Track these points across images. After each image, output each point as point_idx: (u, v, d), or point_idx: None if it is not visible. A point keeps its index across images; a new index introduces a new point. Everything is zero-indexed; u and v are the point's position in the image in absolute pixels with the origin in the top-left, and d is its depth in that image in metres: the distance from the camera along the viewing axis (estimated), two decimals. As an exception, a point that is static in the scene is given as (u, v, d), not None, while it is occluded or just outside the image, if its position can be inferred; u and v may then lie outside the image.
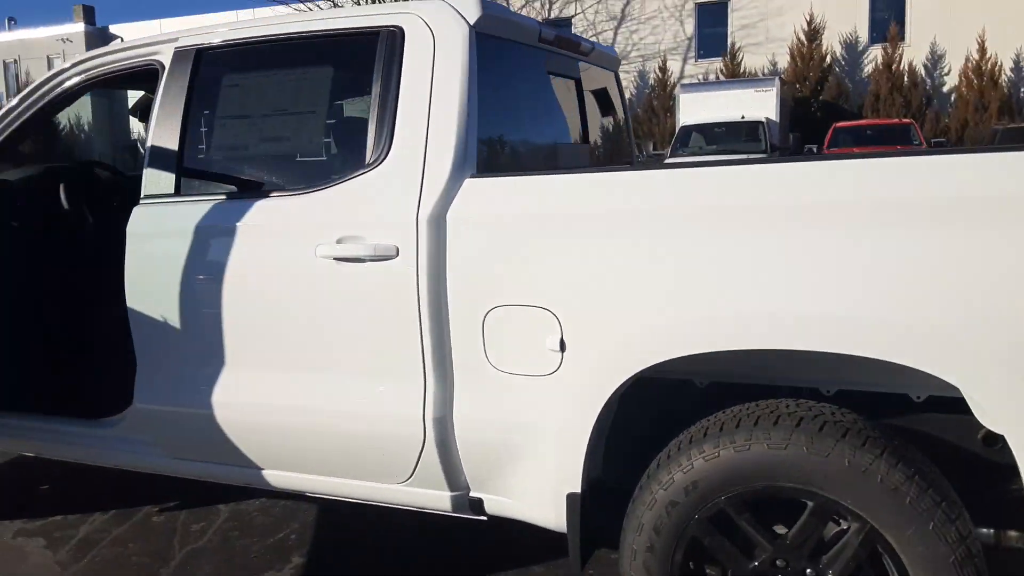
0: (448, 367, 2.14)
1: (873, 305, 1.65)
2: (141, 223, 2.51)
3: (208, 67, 2.52)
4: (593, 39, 19.75)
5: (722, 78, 22.15)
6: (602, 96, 3.22)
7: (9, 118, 2.85)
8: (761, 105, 17.10)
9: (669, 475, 1.87)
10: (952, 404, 1.85)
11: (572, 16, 25.49)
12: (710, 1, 24.29)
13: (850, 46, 23.15)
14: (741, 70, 22.95)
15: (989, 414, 1.63)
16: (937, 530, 1.62)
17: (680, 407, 2.08)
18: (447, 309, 2.10)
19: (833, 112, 21.32)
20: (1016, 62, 21.43)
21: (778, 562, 1.82)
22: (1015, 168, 1.59)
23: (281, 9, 19.76)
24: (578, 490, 1.98)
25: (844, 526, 1.77)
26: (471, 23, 2.21)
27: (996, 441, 1.84)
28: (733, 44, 23.61)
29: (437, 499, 2.26)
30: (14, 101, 2.86)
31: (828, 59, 22.61)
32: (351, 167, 2.26)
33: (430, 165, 2.14)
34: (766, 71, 22.85)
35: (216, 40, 2.54)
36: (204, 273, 2.38)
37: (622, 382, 1.89)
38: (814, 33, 22.52)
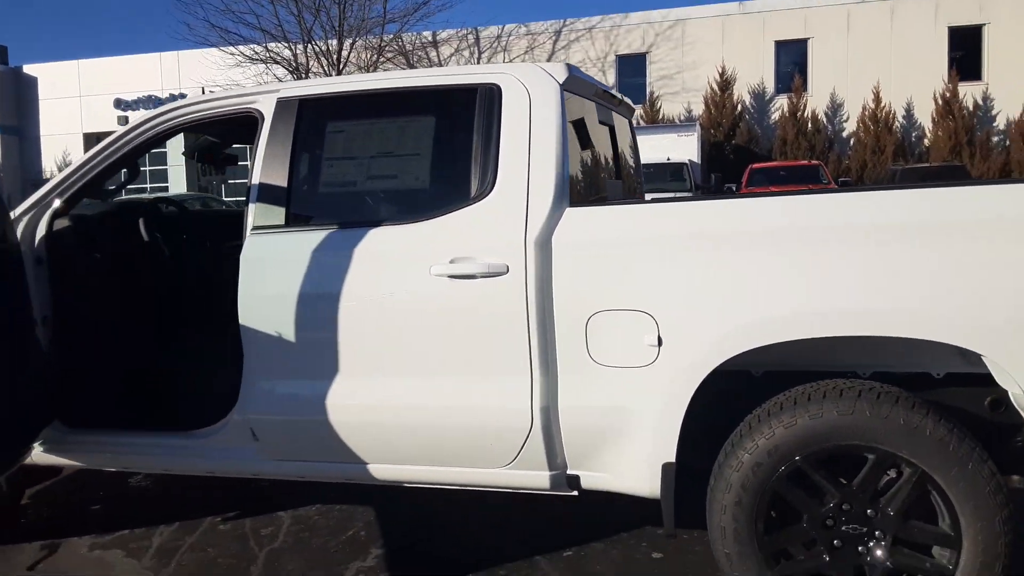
0: (552, 363, 2.53)
1: (917, 297, 2.17)
2: (255, 250, 2.82)
3: (312, 114, 2.88)
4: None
5: (643, 123, 23.36)
6: (621, 139, 3.72)
7: (104, 155, 3.10)
8: (683, 148, 18.24)
9: (753, 442, 2.31)
10: (964, 379, 2.39)
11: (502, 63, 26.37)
12: (630, 53, 25.66)
13: (758, 95, 24.83)
14: (660, 116, 24.30)
15: (1003, 373, 2.15)
16: (975, 469, 2.12)
17: (739, 393, 2.53)
18: (553, 315, 2.51)
19: (745, 155, 22.82)
20: (907, 110, 23.47)
21: (844, 506, 2.28)
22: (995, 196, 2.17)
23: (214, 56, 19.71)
24: (673, 460, 2.40)
25: (893, 475, 2.25)
26: (561, 83, 2.67)
27: (1000, 405, 2.38)
28: (652, 93, 24.98)
29: (537, 479, 2.63)
30: (110, 139, 3.11)
31: (739, 107, 24.21)
32: (456, 200, 2.66)
33: (533, 198, 2.56)
34: (682, 118, 24.26)
35: (319, 91, 2.90)
36: (320, 291, 2.70)
37: (709, 371, 2.34)
38: (726, 84, 24.11)
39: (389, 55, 24.84)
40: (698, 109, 24.49)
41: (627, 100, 3.69)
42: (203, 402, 3.04)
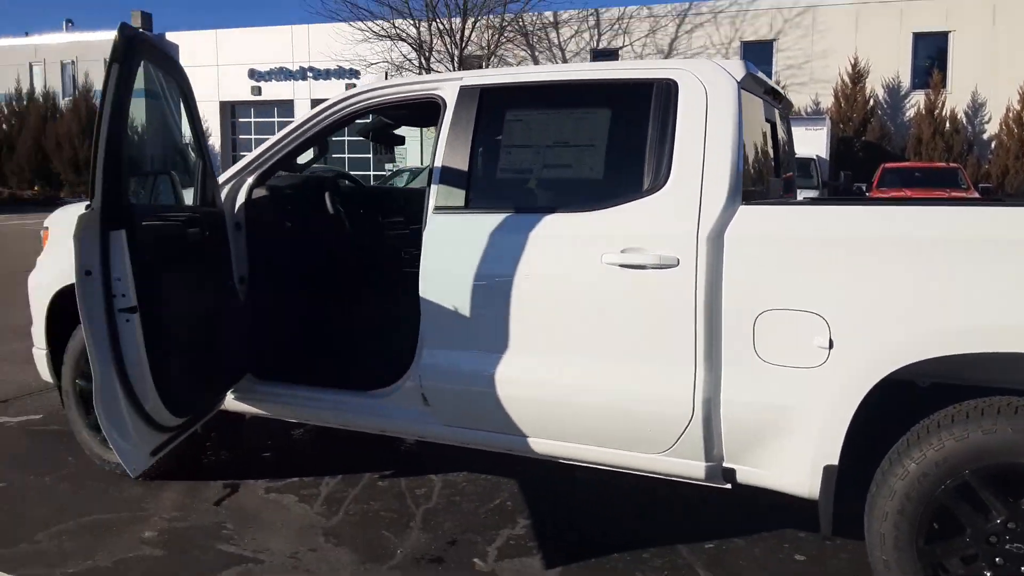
0: (717, 357, 2.64)
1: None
2: (436, 228, 3.04)
3: (493, 102, 3.07)
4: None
5: (767, 114, 22.71)
6: (781, 134, 3.75)
7: (296, 134, 3.39)
8: (811, 143, 17.65)
9: (921, 452, 2.36)
10: None
11: (620, 48, 26.21)
12: (756, 40, 24.95)
13: (893, 90, 23.74)
14: (785, 108, 23.54)
15: None
16: None
17: (901, 402, 2.57)
18: (721, 310, 2.61)
19: (876, 152, 21.88)
20: (1056, 113, 21.90)
21: (1010, 524, 2.31)
22: None
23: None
24: (836, 463, 2.48)
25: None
26: (739, 80, 2.76)
27: None
28: (778, 82, 24.18)
29: (692, 468, 2.76)
30: (301, 120, 3.40)
31: (871, 101, 23.20)
32: (629, 192, 2.80)
33: (707, 193, 2.67)
34: (809, 110, 23.46)
35: (501, 80, 3.09)
36: (496, 271, 2.90)
37: (881, 378, 2.39)
38: (858, 76, 23.15)
39: (509, 35, 25.07)
40: (826, 101, 23.63)
41: (789, 97, 3.72)
42: (379, 365, 3.31)
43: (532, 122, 3.09)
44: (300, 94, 29.79)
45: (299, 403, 3.45)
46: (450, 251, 2.99)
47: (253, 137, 30.74)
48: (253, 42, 29.23)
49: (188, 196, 3.31)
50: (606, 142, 2.97)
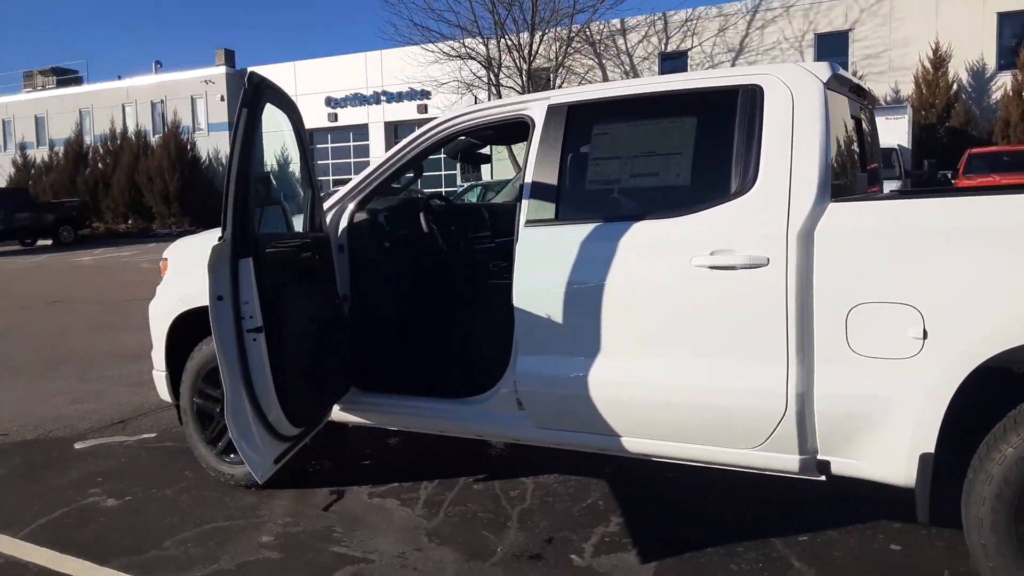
0: (809, 352, 2.69)
1: None
2: (529, 240, 3.18)
3: (580, 118, 3.20)
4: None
5: (845, 106, 22.13)
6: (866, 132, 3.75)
7: (396, 158, 3.60)
8: (892, 132, 17.13)
9: (1018, 436, 2.37)
10: None
11: (689, 49, 26.00)
12: (831, 32, 24.38)
13: (977, 73, 22.79)
14: (863, 98, 22.88)
15: None
16: None
17: (997, 390, 2.56)
18: (812, 305, 2.66)
19: (960, 138, 21.04)
20: None
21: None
22: None
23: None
24: (932, 451, 2.49)
25: None
26: (824, 82, 2.81)
27: None
28: (855, 73, 23.57)
29: (785, 462, 2.81)
30: (398, 147, 3.61)
31: (955, 86, 22.34)
32: (716, 196, 2.87)
33: (795, 193, 2.72)
34: (889, 99, 22.76)
35: (587, 97, 3.21)
36: (588, 277, 3.02)
37: (977, 365, 2.40)
38: (940, 61, 22.32)
39: (577, 45, 25.20)
40: (907, 89, 22.87)
41: (873, 92, 3.72)
42: (474, 373, 3.47)
43: (619, 134, 3.21)
44: (374, 118, 30.66)
45: (400, 412, 3.63)
46: (543, 261, 3.13)
47: (330, 162, 31.77)
48: (328, 70, 30.28)
49: (297, 222, 3.56)
50: (692, 149, 3.06)
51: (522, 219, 3.21)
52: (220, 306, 2.90)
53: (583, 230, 3.07)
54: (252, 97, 2.98)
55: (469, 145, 4.05)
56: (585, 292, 3.03)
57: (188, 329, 4.08)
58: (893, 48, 23.23)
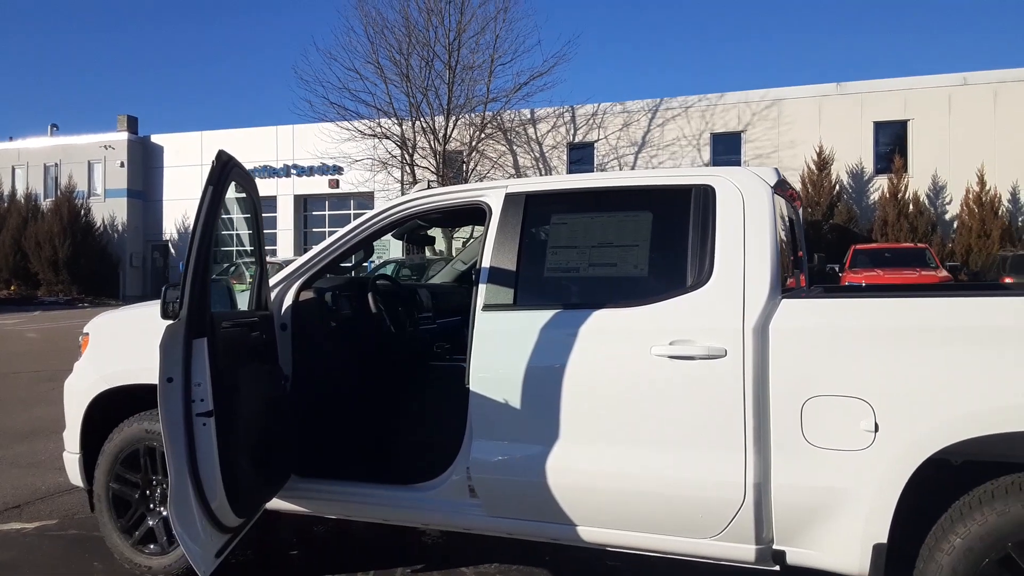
0: (766, 442, 2.77)
1: None
2: (486, 325, 3.18)
3: (537, 207, 3.27)
4: (615, 163, 21.09)
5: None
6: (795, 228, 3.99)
7: (347, 237, 3.57)
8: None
9: (965, 527, 2.49)
10: None
11: (595, 141, 27.15)
12: (725, 132, 26.05)
13: (857, 175, 24.76)
14: (755, 194, 24.36)
15: None
16: None
17: (939, 482, 2.69)
18: (768, 397, 2.76)
19: (844, 234, 22.63)
20: (1013, 193, 22.98)
21: (1050, 594, 2.42)
22: None
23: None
24: (885, 541, 2.59)
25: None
26: (771, 185, 2.99)
27: None
28: (748, 170, 25.14)
29: (742, 551, 2.84)
30: (351, 227, 3.58)
31: (837, 187, 24.15)
32: (673, 287, 2.97)
33: (749, 288, 2.85)
34: (780, 196, 24.29)
35: (544, 188, 3.30)
36: (548, 363, 3.03)
37: (926, 457, 2.53)
38: (824, 163, 24.16)
39: (489, 131, 25.93)
40: (795, 187, 24.51)
41: (799, 195, 3.98)
42: (421, 459, 3.38)
43: (576, 225, 3.29)
44: (283, 190, 30.33)
45: (342, 499, 3.49)
46: (500, 346, 3.13)
47: (235, 232, 31.01)
48: (237, 141, 29.87)
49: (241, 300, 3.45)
50: (649, 241, 3.16)
51: (479, 303, 3.22)
52: (170, 388, 2.75)
53: (542, 316, 3.10)
54: (219, 175, 2.91)
55: (416, 227, 4.06)
56: (543, 378, 3.04)
57: (106, 410, 3.84)
58: (782, 149, 25.00)
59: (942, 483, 2.64)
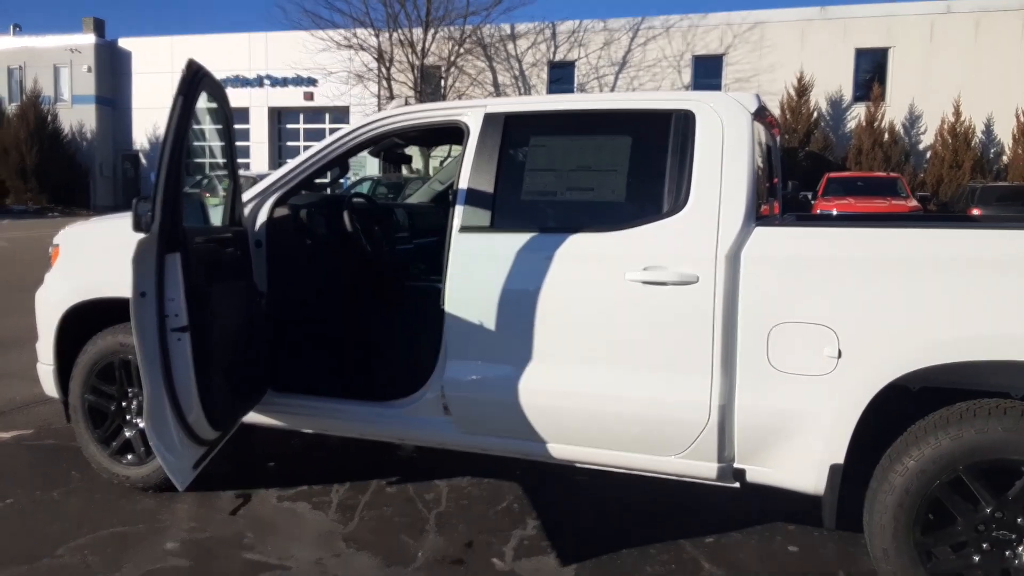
0: (732, 366, 2.85)
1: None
2: (462, 246, 3.19)
3: (517, 128, 3.24)
4: (595, 83, 20.81)
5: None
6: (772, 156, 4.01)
7: (319, 156, 3.52)
8: (761, 154, 18.21)
9: (919, 450, 2.61)
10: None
11: (576, 60, 26.62)
12: (707, 55, 25.65)
13: (835, 103, 24.66)
14: (734, 119, 24.21)
15: None
16: None
17: (895, 407, 2.81)
18: (736, 323, 2.83)
19: (820, 162, 22.71)
20: (987, 125, 23.11)
21: (997, 514, 2.56)
22: None
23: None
24: (841, 462, 2.71)
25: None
26: (752, 112, 2.98)
27: None
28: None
29: (705, 469, 2.96)
30: (326, 142, 3.52)
31: (815, 114, 24.06)
32: (649, 213, 3.00)
33: (723, 215, 2.88)
34: (758, 122, 24.17)
35: (524, 108, 3.26)
36: (523, 286, 3.07)
37: (886, 383, 2.63)
38: (803, 89, 24.01)
39: (468, 46, 25.29)
40: (774, 114, 24.38)
41: (778, 121, 3.97)
42: (396, 376, 3.44)
43: (555, 147, 3.27)
44: (256, 102, 29.50)
45: (318, 414, 3.55)
46: (476, 268, 3.15)
47: (207, 144, 30.28)
48: (209, 49, 28.68)
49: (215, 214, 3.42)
50: (627, 167, 3.16)
51: (456, 224, 3.22)
52: (143, 303, 2.74)
53: (518, 239, 3.11)
54: (189, 85, 2.84)
55: (393, 144, 4.01)
56: (518, 300, 3.08)
57: (80, 321, 3.83)
58: (762, 74, 24.73)
59: (900, 409, 2.76)
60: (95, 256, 3.85)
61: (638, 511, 3.70)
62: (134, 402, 3.76)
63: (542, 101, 3.29)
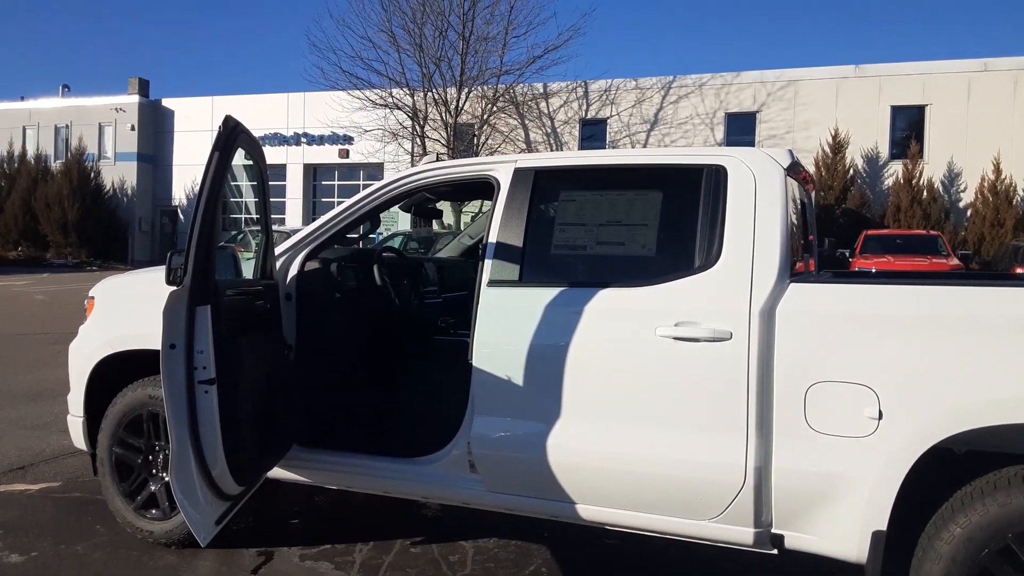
0: (768, 426, 2.75)
1: None
2: (491, 300, 3.16)
3: (547, 184, 3.24)
4: (627, 140, 20.99)
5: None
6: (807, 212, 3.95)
7: (354, 208, 3.55)
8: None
9: (966, 517, 2.47)
10: None
11: (608, 118, 26.92)
12: (740, 112, 25.78)
13: (872, 160, 24.52)
14: (768, 176, 24.17)
15: None
16: None
17: (941, 471, 2.68)
18: (772, 381, 2.74)
19: (856, 219, 22.47)
20: (1029, 183, 22.71)
21: (1048, 586, 2.41)
22: None
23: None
24: (884, 528, 2.58)
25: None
26: (784, 167, 2.94)
27: None
28: (761, 151, 24.89)
29: (741, 534, 2.84)
30: (358, 197, 3.55)
31: (851, 171, 23.93)
32: (681, 268, 2.94)
33: (758, 271, 2.82)
34: (792, 178, 24.10)
35: (554, 163, 3.26)
36: (552, 341, 3.02)
37: (930, 446, 2.51)
38: (839, 146, 23.94)
39: (501, 104, 25.74)
40: (808, 170, 24.28)
41: (812, 178, 3.92)
42: (422, 432, 3.39)
43: (585, 202, 3.26)
44: (293, 159, 30.25)
45: (343, 470, 3.50)
46: (504, 322, 3.11)
47: (243, 200, 31.02)
48: (248, 108, 29.74)
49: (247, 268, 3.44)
50: (658, 221, 3.12)
51: (485, 278, 3.20)
52: (172, 355, 2.75)
53: (547, 293, 3.08)
54: (226, 141, 2.89)
55: (424, 199, 4.04)
56: (547, 355, 3.02)
57: (111, 373, 3.85)
58: (796, 131, 24.75)
59: (945, 473, 2.63)
60: (129, 308, 3.89)
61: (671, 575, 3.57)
62: (161, 456, 3.74)
63: (572, 157, 3.29)
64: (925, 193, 22.97)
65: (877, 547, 2.59)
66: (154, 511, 3.75)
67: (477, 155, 23.91)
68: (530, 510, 3.21)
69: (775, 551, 2.86)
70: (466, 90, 24.82)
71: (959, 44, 66.01)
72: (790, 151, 3.04)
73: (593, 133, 27.22)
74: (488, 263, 3.21)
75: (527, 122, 27.15)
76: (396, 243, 17.95)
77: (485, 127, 25.54)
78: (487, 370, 3.13)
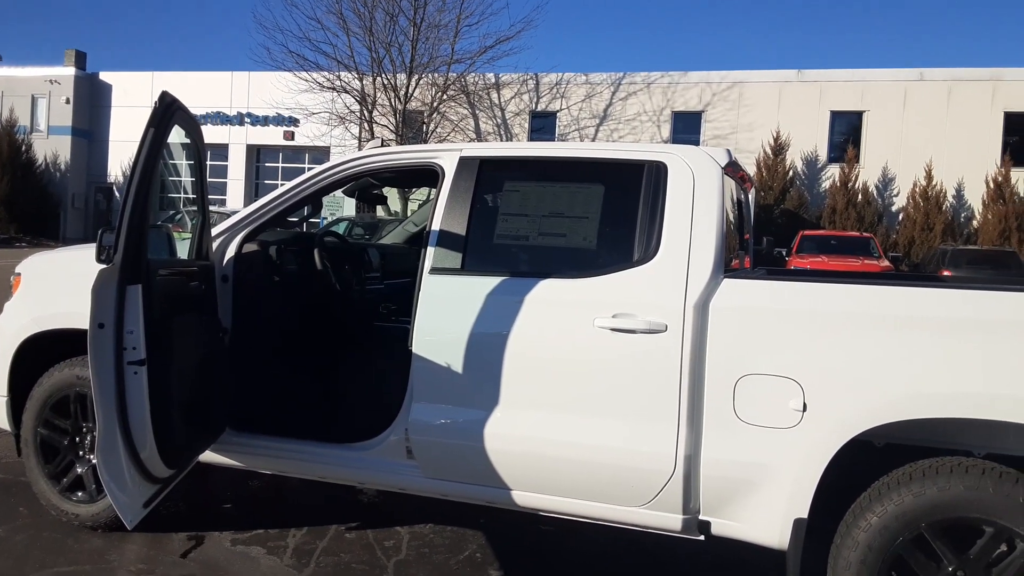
0: (699, 416, 2.83)
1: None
2: (432, 288, 3.17)
3: (491, 173, 3.25)
4: (576, 134, 21.09)
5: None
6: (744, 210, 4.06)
7: (295, 191, 3.50)
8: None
9: (882, 506, 2.59)
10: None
11: (558, 111, 27.03)
12: (686, 111, 26.17)
13: (811, 163, 25.17)
14: (711, 174, 24.62)
15: None
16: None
17: (859, 461, 2.80)
18: (704, 373, 2.81)
19: (794, 220, 23.08)
20: (958, 190, 23.66)
21: (959, 572, 2.53)
22: None
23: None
24: (805, 516, 2.68)
25: (1005, 548, 2.51)
26: (723, 166, 3.02)
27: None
28: (706, 150, 25.32)
29: (670, 521, 2.91)
30: (299, 180, 3.51)
31: (791, 172, 24.54)
32: (620, 261, 3.00)
33: (693, 266, 2.89)
34: (734, 178, 24.60)
35: (499, 153, 3.28)
36: (492, 329, 3.04)
37: (850, 438, 2.62)
38: (780, 148, 24.52)
39: (452, 93, 25.60)
40: (750, 171, 24.84)
41: (752, 178, 4.03)
42: (359, 418, 3.38)
43: (528, 193, 3.28)
44: (235, 139, 29.56)
45: (277, 455, 3.46)
46: (445, 310, 3.12)
47: (181, 179, 30.22)
48: (190, 85, 28.83)
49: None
50: (599, 214, 3.17)
51: (426, 266, 3.20)
52: (101, 335, 2.68)
53: (489, 282, 3.10)
54: (161, 117, 2.82)
55: (368, 185, 4.01)
56: (487, 343, 3.05)
57: (37, 353, 3.74)
58: (740, 132, 25.24)
59: (864, 464, 2.74)
60: (56, 286, 3.78)
61: (605, 563, 3.64)
62: (88, 437, 3.65)
63: (517, 148, 3.31)
64: (860, 196, 23.71)
65: (798, 534, 2.69)
66: (80, 493, 3.67)
67: (426, 142, 23.76)
68: (466, 496, 3.24)
69: (702, 537, 2.94)
70: (416, 77, 24.60)
71: (897, 54, 68.07)
72: (728, 150, 3.12)
73: (543, 126, 27.30)
74: (431, 251, 3.22)
75: (477, 112, 27.07)
76: (341, 228, 17.72)
77: (435, 115, 25.38)
78: (427, 357, 3.13)
